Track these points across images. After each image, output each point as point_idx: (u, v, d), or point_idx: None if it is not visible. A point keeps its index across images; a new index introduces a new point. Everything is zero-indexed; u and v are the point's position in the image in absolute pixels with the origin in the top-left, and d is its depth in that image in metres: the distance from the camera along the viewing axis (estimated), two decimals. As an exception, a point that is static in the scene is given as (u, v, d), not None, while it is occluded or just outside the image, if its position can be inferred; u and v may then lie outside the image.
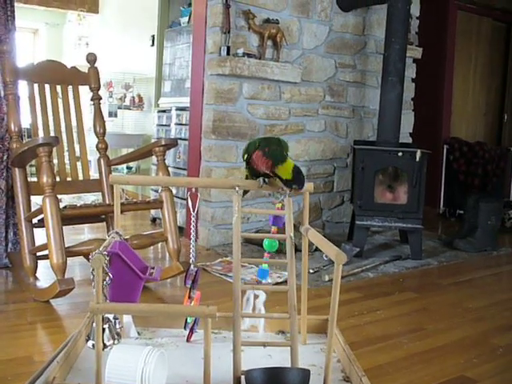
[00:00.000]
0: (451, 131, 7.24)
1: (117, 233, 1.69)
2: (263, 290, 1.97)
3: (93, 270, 1.43)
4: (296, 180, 2.03)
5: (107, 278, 1.55)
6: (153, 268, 1.79)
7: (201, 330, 1.99)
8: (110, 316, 1.73)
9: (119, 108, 7.27)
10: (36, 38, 9.78)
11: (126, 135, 7.20)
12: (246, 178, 2.23)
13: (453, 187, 6.81)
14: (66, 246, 3.05)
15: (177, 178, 1.91)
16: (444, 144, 6.92)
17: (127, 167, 7.04)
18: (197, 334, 2.25)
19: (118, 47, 7.87)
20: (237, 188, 2.03)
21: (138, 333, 2.23)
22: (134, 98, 7.25)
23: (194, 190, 1.82)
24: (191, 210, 1.77)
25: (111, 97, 7.31)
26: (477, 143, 6.87)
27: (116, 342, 1.76)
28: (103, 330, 1.62)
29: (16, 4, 7.65)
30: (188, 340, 2.25)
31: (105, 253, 1.46)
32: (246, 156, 2.13)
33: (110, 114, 7.20)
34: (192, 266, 1.83)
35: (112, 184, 1.80)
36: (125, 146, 7.17)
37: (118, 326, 1.76)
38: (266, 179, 2.13)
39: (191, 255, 1.76)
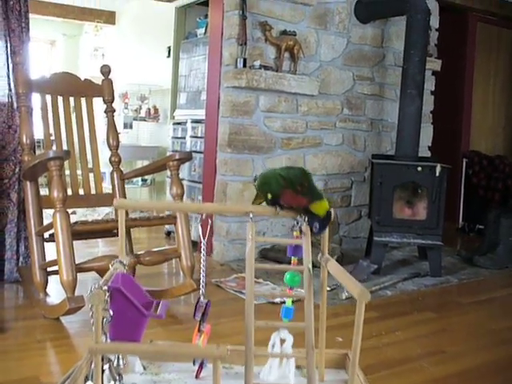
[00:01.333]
0: (470, 144, 7.11)
1: (120, 262, 1.57)
2: (278, 326, 1.81)
3: (91, 306, 1.34)
4: (324, 221, 1.87)
5: (107, 315, 1.43)
6: (158, 303, 1.67)
7: (211, 365, 1.87)
8: (112, 353, 1.62)
9: (134, 119, 7.22)
10: (53, 49, 9.79)
11: (142, 147, 7.15)
12: (255, 200, 2.09)
13: (472, 202, 6.69)
14: (78, 261, 2.99)
15: (187, 204, 1.75)
16: (463, 157, 6.80)
17: (142, 179, 6.98)
18: (207, 369, 2.09)
19: (134, 58, 7.84)
20: (251, 214, 1.87)
21: (144, 367, 2.08)
22: (149, 109, 7.21)
23: (204, 215, 1.72)
24: (201, 237, 1.66)
25: (126, 108, 7.27)
26: (497, 157, 6.75)
27: (117, 383, 1.64)
28: (103, 370, 1.50)
29: (33, 15, 7.69)
30: (197, 376, 2.10)
31: (105, 288, 1.36)
32: (269, 196, 1.94)
33: (126, 126, 7.15)
34: (202, 298, 1.70)
35: (117, 209, 1.70)
36: (140, 158, 7.11)
37: (121, 362, 1.65)
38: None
39: (201, 285, 1.65)
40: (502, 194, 6.50)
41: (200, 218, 1.73)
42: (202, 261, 1.63)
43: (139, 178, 6.89)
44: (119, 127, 7.15)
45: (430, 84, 5.69)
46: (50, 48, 9.79)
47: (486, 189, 6.60)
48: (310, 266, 1.82)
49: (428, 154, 5.74)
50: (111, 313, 1.39)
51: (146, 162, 6.93)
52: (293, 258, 1.95)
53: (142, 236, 5.48)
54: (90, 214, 6.30)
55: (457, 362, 2.75)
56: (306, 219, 1.89)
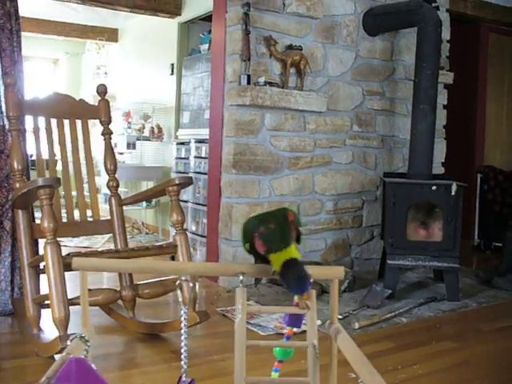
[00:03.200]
0: (485, 159, 6.89)
1: (81, 338, 1.27)
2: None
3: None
4: (284, 276, 1.40)
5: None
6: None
7: None
8: None
9: (138, 139, 7.01)
10: (57, 68, 9.65)
11: (146, 167, 6.96)
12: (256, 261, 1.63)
13: (488, 218, 6.46)
14: (75, 294, 2.79)
15: (160, 264, 1.41)
16: (477, 173, 6.58)
17: (147, 200, 6.78)
18: None
19: (137, 76, 7.67)
20: (241, 276, 1.48)
21: None
22: (153, 128, 7.01)
23: (183, 277, 1.45)
24: (181, 303, 1.41)
25: (130, 127, 7.08)
26: (513, 172, 6.53)
27: None
28: None
29: (34, 34, 7.57)
30: None
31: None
32: (246, 245, 1.52)
33: (129, 146, 6.95)
34: (184, 377, 1.41)
35: (76, 270, 1.48)
36: (144, 178, 6.93)
37: None
38: None
39: (182, 362, 1.39)
40: (519, 211, 6.27)
41: (179, 282, 1.45)
42: (182, 332, 1.39)
43: (145, 200, 6.70)
44: (122, 147, 6.98)
45: (442, 98, 5.47)
46: (54, 67, 9.65)
47: (502, 205, 6.37)
48: (316, 341, 1.45)
49: (441, 170, 5.53)
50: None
51: (150, 183, 6.75)
52: (289, 328, 1.54)
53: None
54: (95, 237, 6.15)
55: (482, 403, 2.53)
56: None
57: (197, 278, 2.80)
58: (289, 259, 1.39)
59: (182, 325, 1.38)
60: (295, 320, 1.53)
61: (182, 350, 1.38)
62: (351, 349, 1.32)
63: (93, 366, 1.21)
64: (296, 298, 1.48)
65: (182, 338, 1.37)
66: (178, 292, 1.41)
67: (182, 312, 1.39)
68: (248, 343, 1.30)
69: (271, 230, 1.44)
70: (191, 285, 1.46)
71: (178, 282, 1.40)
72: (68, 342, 1.23)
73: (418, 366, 2.94)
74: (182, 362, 1.38)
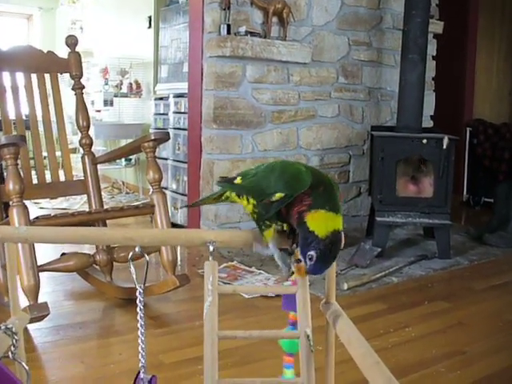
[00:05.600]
0: (474, 112, 6.71)
1: (6, 330, 1.01)
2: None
3: None
4: (325, 247, 1.08)
5: None
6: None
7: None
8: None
9: (115, 96, 6.76)
10: (30, 24, 9.31)
11: (124, 125, 6.72)
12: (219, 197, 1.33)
13: (477, 173, 6.31)
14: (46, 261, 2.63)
15: (107, 233, 1.19)
16: (466, 126, 6.41)
17: (126, 159, 6.57)
18: None
19: (113, 31, 7.37)
20: (211, 246, 1.17)
21: None
22: (131, 84, 6.76)
23: (137, 249, 1.24)
24: (135, 282, 1.22)
25: (107, 84, 6.81)
26: (503, 125, 6.35)
27: None
28: None
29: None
30: None
31: None
32: (277, 196, 1.13)
33: (106, 103, 6.71)
34: (142, 373, 1.19)
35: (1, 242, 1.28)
36: (123, 136, 6.70)
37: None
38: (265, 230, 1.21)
39: (141, 354, 1.19)
40: (509, 165, 6.11)
41: (132, 253, 1.25)
42: (138, 317, 1.21)
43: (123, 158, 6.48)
44: (100, 104, 6.75)
45: (431, 48, 5.26)
46: (27, 23, 9.30)
47: (492, 159, 6.22)
48: (309, 330, 1.12)
49: (430, 123, 5.37)
50: None
51: (130, 141, 6.51)
52: (291, 312, 1.23)
53: (128, 220, 5.07)
54: (74, 198, 5.96)
55: (479, 366, 2.39)
56: (295, 245, 1.15)
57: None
58: (338, 230, 1.09)
59: (138, 309, 1.19)
60: (292, 302, 1.22)
61: (140, 341, 1.19)
62: (355, 340, 0.96)
63: (23, 365, 1.02)
64: (293, 276, 1.19)
65: (139, 323, 1.19)
66: (132, 269, 1.21)
67: (137, 293, 1.19)
68: (220, 334, 1.06)
69: (327, 193, 1.13)
70: (147, 259, 1.23)
71: (130, 256, 1.19)
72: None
73: (411, 328, 2.80)
74: (140, 356, 1.19)
